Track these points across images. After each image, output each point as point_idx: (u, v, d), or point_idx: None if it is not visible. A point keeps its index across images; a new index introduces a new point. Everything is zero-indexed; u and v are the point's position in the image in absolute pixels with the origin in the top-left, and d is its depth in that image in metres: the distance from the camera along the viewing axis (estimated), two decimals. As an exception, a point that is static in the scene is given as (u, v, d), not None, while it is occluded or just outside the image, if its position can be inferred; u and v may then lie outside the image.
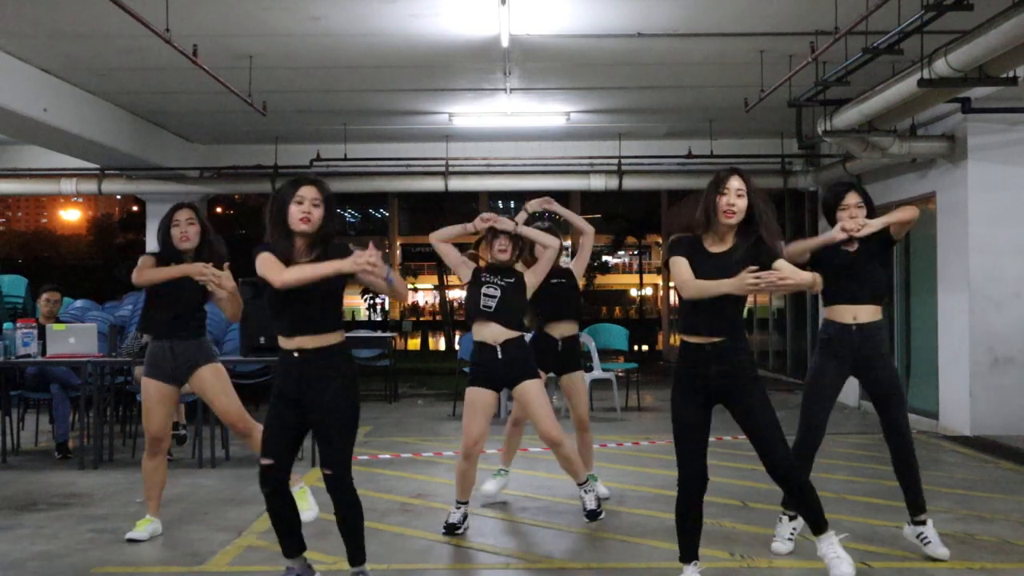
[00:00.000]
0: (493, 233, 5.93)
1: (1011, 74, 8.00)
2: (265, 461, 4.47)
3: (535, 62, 10.27)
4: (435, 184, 14.90)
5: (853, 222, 5.32)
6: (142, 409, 5.91)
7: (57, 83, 10.77)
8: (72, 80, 10.93)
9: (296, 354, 4.40)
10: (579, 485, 6.20)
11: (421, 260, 48.74)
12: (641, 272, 45.71)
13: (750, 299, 13.96)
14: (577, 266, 6.75)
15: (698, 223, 4.62)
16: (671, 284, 23.79)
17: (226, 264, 5.64)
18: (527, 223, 6.07)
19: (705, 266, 4.52)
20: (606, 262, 49.41)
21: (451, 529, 5.94)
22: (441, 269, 33.19)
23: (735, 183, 4.55)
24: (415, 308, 52.71)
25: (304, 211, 4.36)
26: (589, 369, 11.14)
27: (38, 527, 6.20)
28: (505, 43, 9.23)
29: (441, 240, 6.02)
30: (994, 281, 9.98)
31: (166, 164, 14.27)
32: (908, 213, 5.47)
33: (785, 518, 5.53)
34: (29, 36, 9.13)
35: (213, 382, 5.90)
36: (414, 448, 9.35)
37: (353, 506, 4.49)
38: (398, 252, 51.44)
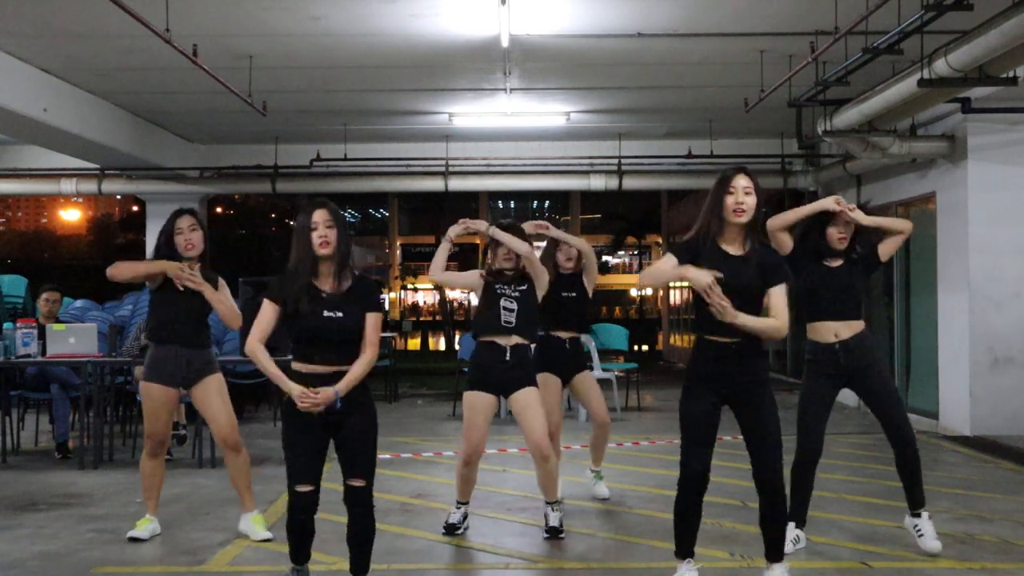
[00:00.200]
0: (494, 243, 5.89)
1: (1011, 74, 8.00)
2: (304, 488, 4.35)
3: (535, 62, 10.26)
4: (435, 184, 14.91)
5: (845, 205, 5.33)
6: (144, 412, 5.89)
7: (57, 83, 10.77)
8: (72, 80, 10.93)
9: (321, 376, 4.35)
10: (547, 503, 6.02)
11: (421, 260, 48.76)
12: (641, 272, 45.61)
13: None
14: (588, 284, 6.76)
15: (704, 225, 4.55)
16: (671, 284, 23.76)
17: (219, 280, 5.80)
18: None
19: (722, 267, 4.43)
20: (606, 262, 49.36)
21: (451, 529, 5.94)
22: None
23: (742, 181, 4.49)
24: (415, 308, 52.70)
25: (321, 236, 4.37)
26: (590, 369, 11.11)
27: (38, 527, 6.20)
28: (505, 43, 9.23)
29: (440, 271, 5.93)
30: (994, 281, 9.99)
31: (166, 164, 14.28)
32: (903, 224, 5.46)
33: (792, 524, 5.49)
34: (29, 36, 9.13)
35: (216, 393, 5.89)
36: (414, 448, 9.35)
37: (370, 520, 4.46)
38: (398, 252, 51.45)
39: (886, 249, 5.49)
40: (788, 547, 5.44)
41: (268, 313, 4.40)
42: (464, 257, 21.20)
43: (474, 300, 6.14)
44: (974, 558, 5.42)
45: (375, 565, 4.62)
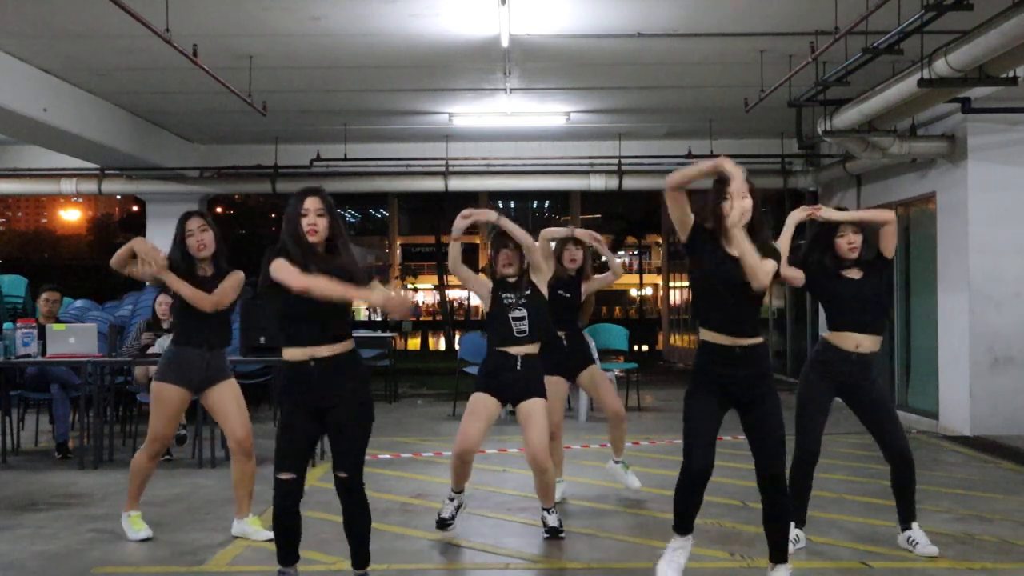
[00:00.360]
0: (496, 248, 5.88)
1: (1011, 74, 8.00)
2: (286, 475, 4.39)
3: (535, 62, 10.27)
4: (435, 184, 14.91)
5: (811, 208, 5.37)
6: (153, 413, 5.83)
7: (57, 83, 10.77)
8: (72, 80, 10.93)
9: (312, 363, 4.36)
10: (544, 508, 6.02)
11: (421, 260, 48.80)
12: (641, 272, 45.70)
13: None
14: (594, 286, 6.81)
15: (705, 217, 4.60)
16: (671, 284, 23.78)
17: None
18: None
19: (722, 266, 4.49)
20: (606, 262, 49.43)
21: (442, 524, 5.88)
22: (441, 269, 33.18)
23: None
24: (415, 308, 52.71)
25: (309, 223, 4.38)
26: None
27: (38, 527, 6.20)
28: (505, 43, 9.23)
29: (458, 263, 5.90)
30: (994, 281, 9.99)
31: (166, 164, 14.28)
32: (884, 215, 5.44)
33: (791, 524, 5.50)
34: (29, 36, 9.14)
35: (233, 399, 5.86)
36: (414, 448, 9.35)
37: (363, 510, 4.48)
38: (398, 252, 51.47)
39: (886, 245, 5.46)
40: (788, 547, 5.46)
41: (287, 263, 4.30)
42: (464, 257, 21.14)
43: (475, 300, 6.15)
44: (974, 558, 5.42)
45: (375, 565, 4.62)
